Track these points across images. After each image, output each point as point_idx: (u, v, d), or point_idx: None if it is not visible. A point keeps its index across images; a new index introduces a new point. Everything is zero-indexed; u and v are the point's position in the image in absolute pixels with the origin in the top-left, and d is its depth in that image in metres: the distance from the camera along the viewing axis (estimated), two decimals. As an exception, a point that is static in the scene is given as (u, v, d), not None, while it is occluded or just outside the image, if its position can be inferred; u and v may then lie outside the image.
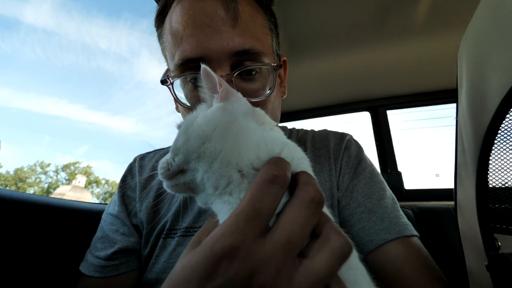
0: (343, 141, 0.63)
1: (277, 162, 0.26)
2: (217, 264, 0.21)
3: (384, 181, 0.58)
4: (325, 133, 0.67)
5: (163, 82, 0.53)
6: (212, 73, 0.32)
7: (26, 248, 0.60)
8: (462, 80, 0.36)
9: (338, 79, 1.38)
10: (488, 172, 0.32)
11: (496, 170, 0.32)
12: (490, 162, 0.32)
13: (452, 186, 0.41)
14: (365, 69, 1.28)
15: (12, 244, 0.58)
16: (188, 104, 0.52)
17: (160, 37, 0.57)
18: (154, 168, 0.36)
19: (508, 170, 0.31)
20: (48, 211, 0.66)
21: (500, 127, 0.30)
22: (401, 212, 0.53)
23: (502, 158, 0.31)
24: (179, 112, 0.61)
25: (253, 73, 0.50)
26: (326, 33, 1.05)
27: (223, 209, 0.28)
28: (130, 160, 0.68)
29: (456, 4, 0.88)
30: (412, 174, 1.55)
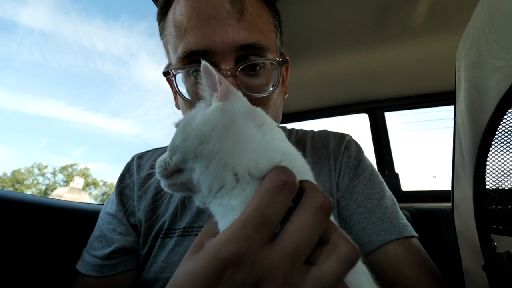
0: (343, 141, 0.63)
1: (284, 169, 0.25)
2: (222, 271, 0.21)
3: (383, 182, 0.58)
4: (324, 134, 0.67)
5: (166, 74, 0.53)
6: (213, 70, 0.31)
7: (22, 248, 0.59)
8: (460, 81, 0.36)
9: (336, 81, 1.38)
10: (486, 173, 0.32)
11: (494, 171, 0.32)
12: (487, 163, 0.32)
13: (448, 187, 0.41)
14: (363, 70, 1.28)
15: (8, 244, 0.57)
16: (189, 98, 0.52)
17: (162, 31, 0.56)
18: (152, 167, 0.35)
19: (505, 171, 0.31)
20: (44, 211, 0.66)
21: (498, 128, 0.30)
22: (401, 213, 0.53)
23: (499, 159, 0.32)
24: (179, 109, 0.61)
25: (257, 68, 0.50)
26: (324, 35, 1.05)
27: (218, 211, 0.28)
28: (128, 160, 0.67)
29: (455, 6, 0.89)
30: (409, 176, 1.56)
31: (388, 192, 0.56)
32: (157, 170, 0.32)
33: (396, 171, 1.51)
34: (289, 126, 0.74)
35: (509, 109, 0.29)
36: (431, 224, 1.03)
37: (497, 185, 0.32)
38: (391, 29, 1.02)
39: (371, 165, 0.60)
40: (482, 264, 0.32)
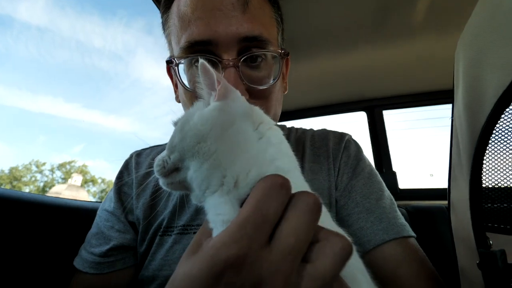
0: (343, 141, 0.63)
1: (278, 174, 0.25)
2: (221, 274, 0.20)
3: (382, 181, 0.58)
4: (324, 133, 0.67)
5: (169, 62, 0.53)
6: (211, 69, 0.31)
7: (21, 246, 0.59)
8: (459, 80, 0.36)
9: (335, 79, 1.38)
10: (482, 172, 0.32)
11: (490, 170, 0.32)
12: (484, 162, 0.32)
13: (445, 185, 0.41)
14: (362, 69, 1.28)
15: (6, 243, 0.57)
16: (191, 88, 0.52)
17: (165, 23, 0.57)
18: (151, 165, 0.35)
19: (502, 170, 0.32)
20: (42, 209, 0.66)
21: (495, 127, 0.30)
22: (399, 213, 0.53)
23: (496, 158, 0.32)
24: (179, 102, 0.61)
25: (259, 59, 0.51)
26: (323, 33, 1.05)
27: (209, 210, 0.28)
28: (126, 157, 0.67)
29: (454, 6, 0.89)
30: (406, 174, 1.56)
31: (387, 192, 0.56)
32: (155, 168, 0.32)
33: (394, 169, 1.52)
34: (288, 124, 0.74)
35: (506, 108, 0.29)
36: (428, 222, 1.04)
37: (493, 184, 0.32)
38: (389, 28, 1.02)
39: (370, 165, 0.60)
40: (477, 262, 0.32)
